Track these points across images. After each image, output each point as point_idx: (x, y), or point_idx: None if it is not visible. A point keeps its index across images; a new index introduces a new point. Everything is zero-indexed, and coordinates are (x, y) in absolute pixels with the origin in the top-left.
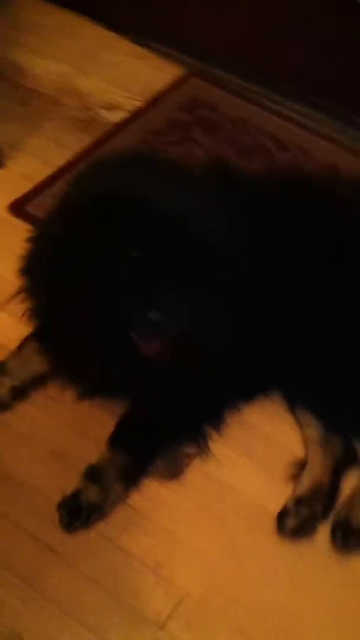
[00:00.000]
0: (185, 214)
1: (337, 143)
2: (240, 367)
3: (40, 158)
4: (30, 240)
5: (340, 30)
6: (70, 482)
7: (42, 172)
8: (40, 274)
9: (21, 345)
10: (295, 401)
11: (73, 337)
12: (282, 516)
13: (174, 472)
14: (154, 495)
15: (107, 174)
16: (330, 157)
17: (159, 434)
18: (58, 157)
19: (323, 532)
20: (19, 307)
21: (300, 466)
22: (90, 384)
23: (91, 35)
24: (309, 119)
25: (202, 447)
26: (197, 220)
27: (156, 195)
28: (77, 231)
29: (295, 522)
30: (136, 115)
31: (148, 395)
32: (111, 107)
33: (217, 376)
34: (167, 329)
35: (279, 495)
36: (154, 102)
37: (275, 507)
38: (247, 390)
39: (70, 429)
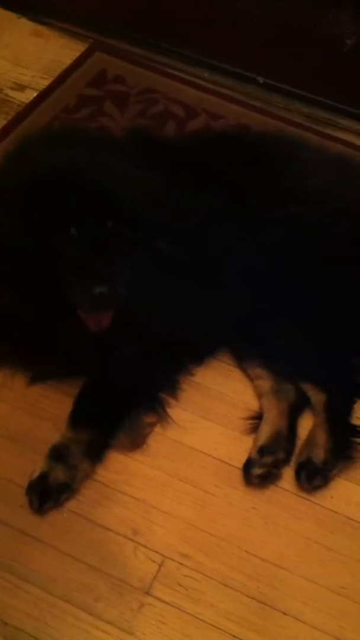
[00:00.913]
0: (117, 184)
1: (246, 105)
2: (187, 328)
3: None
4: None
5: None
6: (34, 465)
7: None
8: None
9: None
10: (244, 356)
11: (20, 321)
12: (247, 467)
13: (137, 443)
14: (121, 468)
15: (36, 152)
16: (240, 119)
17: (117, 406)
18: None
19: (287, 476)
20: None
21: (258, 418)
22: (43, 366)
23: None
24: (215, 85)
25: (161, 414)
26: (128, 189)
27: (87, 170)
28: (13, 212)
29: (260, 471)
30: (46, 94)
31: (101, 369)
32: (20, 87)
33: (161, 340)
34: (111, 301)
35: (241, 449)
36: (62, 79)
37: (239, 460)
38: (198, 352)
39: (25, 413)
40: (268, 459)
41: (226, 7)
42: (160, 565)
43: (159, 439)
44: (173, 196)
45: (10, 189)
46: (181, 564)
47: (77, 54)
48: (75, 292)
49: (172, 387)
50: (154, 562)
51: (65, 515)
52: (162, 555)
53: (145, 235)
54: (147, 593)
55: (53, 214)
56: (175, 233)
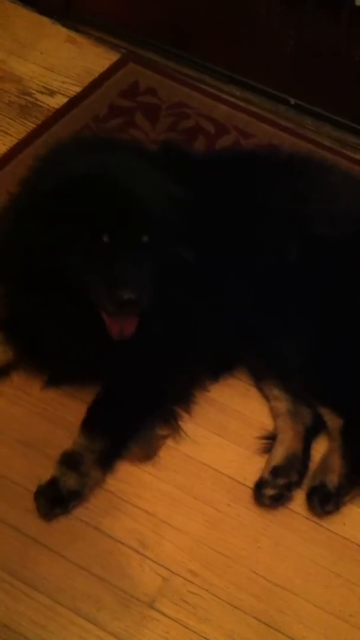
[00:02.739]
0: (149, 193)
1: (275, 125)
2: (207, 343)
3: None
4: None
5: (267, 9)
6: (45, 470)
7: None
8: (8, 262)
9: None
10: (262, 376)
11: (43, 324)
12: (259, 487)
13: (149, 454)
14: (132, 479)
15: (71, 156)
16: (270, 139)
17: (131, 416)
18: (1, 144)
19: (298, 499)
20: None
21: (272, 438)
22: (58, 372)
23: (25, 21)
24: (247, 103)
25: (174, 428)
26: (159, 197)
27: (122, 177)
28: (45, 214)
29: (273, 492)
30: (77, 101)
31: (117, 378)
32: (51, 93)
33: (177, 351)
34: (137, 307)
35: (254, 468)
36: (94, 87)
37: (252, 480)
38: (214, 367)
39: (40, 417)
40: (281, 481)
41: (263, 27)
42: (167, 580)
43: (172, 453)
44: (195, 208)
45: (44, 191)
46: (188, 580)
47: (109, 63)
48: (102, 296)
49: (186, 401)
50: (161, 576)
51: (74, 523)
52: (170, 570)
53: (169, 241)
54: (152, 607)
55: (86, 219)
56: (198, 244)
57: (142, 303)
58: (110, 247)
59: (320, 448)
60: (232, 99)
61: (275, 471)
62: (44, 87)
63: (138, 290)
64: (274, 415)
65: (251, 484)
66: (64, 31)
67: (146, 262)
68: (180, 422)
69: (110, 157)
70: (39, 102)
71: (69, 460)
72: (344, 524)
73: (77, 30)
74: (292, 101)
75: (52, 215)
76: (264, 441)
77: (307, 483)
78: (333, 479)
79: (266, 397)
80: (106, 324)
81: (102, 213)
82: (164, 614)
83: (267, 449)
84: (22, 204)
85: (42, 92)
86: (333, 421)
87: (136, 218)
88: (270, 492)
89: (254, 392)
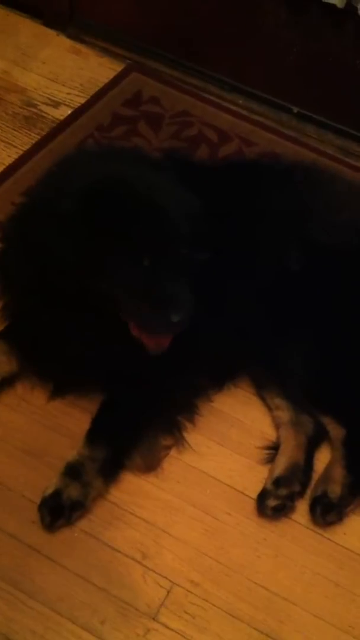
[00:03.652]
0: (175, 207)
1: (278, 133)
2: (209, 353)
3: None
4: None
5: (272, 19)
6: (47, 480)
7: None
8: (16, 274)
9: None
10: (265, 385)
11: (47, 335)
12: (262, 497)
13: (152, 465)
14: (134, 489)
15: (85, 172)
16: (273, 148)
17: (134, 427)
18: (6, 155)
19: (301, 510)
20: None
21: (274, 448)
22: (63, 382)
23: (29, 31)
24: (250, 112)
25: (178, 438)
26: (183, 211)
27: (146, 193)
28: (72, 235)
29: (275, 503)
30: (81, 111)
31: (121, 388)
32: (55, 104)
33: (182, 362)
34: (184, 324)
35: (256, 478)
36: (97, 97)
37: (253, 490)
38: (218, 377)
39: (43, 427)
40: (283, 491)
41: (267, 36)
42: (168, 591)
43: (174, 463)
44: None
45: (69, 209)
46: (189, 591)
47: (113, 73)
48: (145, 317)
49: (190, 411)
50: (162, 587)
51: (76, 534)
52: (171, 581)
53: (197, 252)
54: (154, 619)
55: (121, 238)
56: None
57: (187, 320)
58: (151, 267)
59: (322, 458)
60: (235, 108)
61: (278, 482)
62: (49, 99)
63: (186, 308)
64: (276, 424)
65: (252, 494)
66: (68, 42)
67: (185, 276)
68: (183, 433)
69: (125, 171)
70: (43, 114)
71: (71, 471)
72: (345, 534)
73: (81, 41)
74: (295, 109)
75: (82, 235)
76: (266, 451)
77: (309, 493)
78: (335, 489)
79: (268, 407)
80: (139, 339)
81: (138, 232)
82: (165, 625)
83: (269, 459)
84: (35, 218)
85: (46, 104)
86: (335, 431)
87: (172, 233)
88: (272, 503)
89: (255, 401)
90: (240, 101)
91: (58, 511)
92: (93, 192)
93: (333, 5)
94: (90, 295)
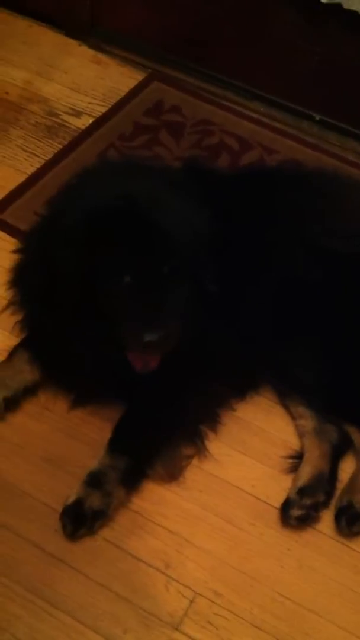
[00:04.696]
0: (175, 226)
1: (300, 140)
2: (227, 362)
3: (10, 166)
4: (19, 251)
5: (292, 27)
6: (69, 488)
7: (13, 179)
8: (33, 285)
9: (11, 356)
10: (288, 394)
11: (68, 345)
12: (286, 507)
13: (174, 474)
14: (156, 498)
15: (96, 187)
16: (295, 155)
17: (156, 436)
18: (28, 165)
19: (325, 520)
20: (9, 320)
21: (298, 457)
22: (83, 391)
23: (50, 42)
24: (271, 119)
25: (200, 447)
26: (184, 230)
27: (146, 212)
28: (72, 248)
29: (299, 512)
30: (102, 121)
31: (142, 398)
32: (77, 113)
33: (203, 372)
34: (162, 347)
35: (279, 487)
36: (119, 107)
37: (276, 499)
38: (240, 386)
39: (65, 436)
40: (308, 501)
41: (288, 44)
42: (191, 602)
43: (196, 472)
44: (218, 233)
45: (71, 224)
46: (213, 601)
47: (135, 82)
48: (125, 334)
49: (212, 420)
50: (186, 597)
51: (98, 542)
52: (194, 591)
53: (196, 275)
54: (177, 629)
55: (109, 257)
56: (219, 270)
57: (168, 343)
58: (132, 287)
59: (347, 467)
60: (256, 116)
61: (302, 491)
62: (71, 108)
63: (163, 330)
64: (300, 433)
65: (275, 503)
66: (89, 52)
67: (172, 297)
68: (205, 442)
69: (136, 187)
70: (65, 123)
71: (93, 480)
72: None
73: (102, 51)
74: (317, 117)
75: (79, 249)
76: (290, 460)
77: (334, 503)
78: None
79: (291, 415)
80: (129, 358)
81: (124, 251)
82: (188, 635)
83: (293, 468)
84: (50, 231)
85: (68, 113)
86: None
87: (156, 251)
88: (296, 513)
89: (278, 409)
90: (262, 109)
91: (80, 520)
92: (90, 211)
93: (354, 12)
94: (95, 309)
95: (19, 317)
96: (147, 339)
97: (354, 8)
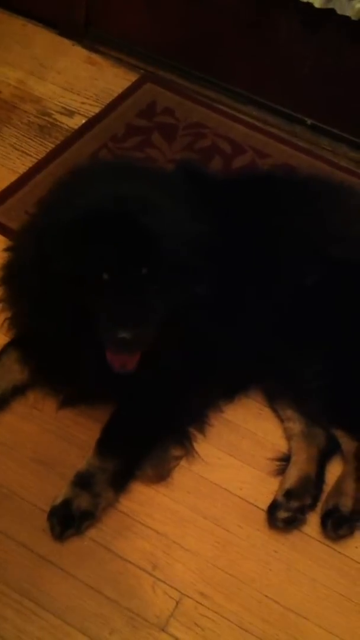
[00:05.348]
0: (162, 229)
1: (293, 146)
2: (225, 366)
3: (2, 165)
4: (9, 249)
5: (287, 32)
6: (57, 489)
7: (5, 178)
8: (23, 283)
9: (0, 354)
10: (276, 397)
11: (58, 345)
12: (273, 509)
13: (163, 476)
14: (145, 500)
15: (87, 187)
16: (287, 159)
17: (144, 437)
18: (20, 164)
19: (312, 522)
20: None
21: (286, 460)
22: (72, 392)
23: (45, 42)
24: (264, 123)
25: (188, 449)
26: (172, 233)
27: (134, 213)
28: (59, 246)
29: (286, 515)
30: (95, 121)
31: (130, 399)
32: (70, 113)
33: (192, 375)
34: (135, 346)
35: (267, 490)
36: (112, 108)
37: (264, 502)
38: (229, 388)
39: (54, 437)
40: (294, 504)
41: (282, 49)
42: (177, 603)
43: (184, 473)
44: (213, 238)
45: (61, 223)
46: (199, 603)
47: (128, 83)
48: (101, 331)
49: (200, 422)
50: (172, 598)
51: (86, 543)
52: (181, 592)
53: (180, 278)
54: (163, 630)
55: (89, 255)
56: (209, 274)
57: (141, 342)
58: (110, 285)
59: (334, 471)
60: (249, 120)
61: (289, 494)
62: (63, 108)
63: (136, 329)
64: (288, 436)
65: (263, 506)
66: (83, 52)
67: (151, 298)
68: (194, 444)
69: (127, 189)
70: (58, 123)
71: (81, 481)
72: (357, 548)
73: (96, 51)
74: (309, 121)
75: (66, 247)
76: (278, 463)
77: (320, 506)
78: (347, 503)
79: (280, 418)
80: (107, 357)
81: (104, 251)
82: (175, 637)
83: (280, 471)
84: (39, 230)
85: (61, 113)
86: (348, 444)
87: (137, 252)
88: (283, 515)
89: (267, 412)
90: (254, 113)
91: (68, 521)
92: (80, 211)
93: (347, 18)
94: (72, 304)
95: (8, 315)
96: (121, 336)
97: (347, 13)
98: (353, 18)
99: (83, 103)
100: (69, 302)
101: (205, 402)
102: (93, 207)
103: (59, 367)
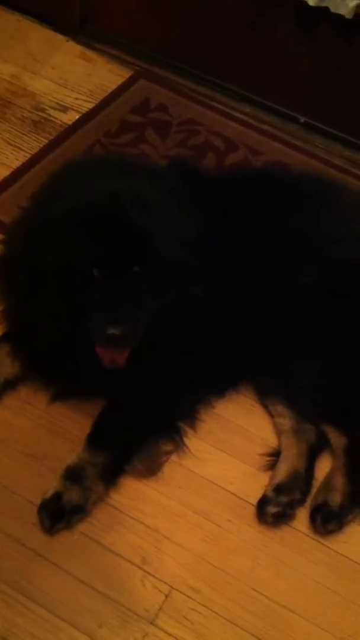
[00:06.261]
0: (154, 226)
1: (286, 143)
2: (219, 365)
3: None
4: (1, 243)
5: (282, 30)
6: (49, 483)
7: None
8: (15, 277)
9: None
10: (267, 393)
11: (49, 339)
12: (262, 504)
13: (153, 470)
14: (135, 494)
15: (79, 181)
16: (280, 157)
17: (135, 432)
18: (14, 159)
19: (301, 517)
20: None
21: (276, 455)
22: (63, 386)
23: (39, 37)
24: (257, 121)
25: (179, 443)
26: (165, 231)
27: (125, 209)
28: (48, 242)
29: (275, 510)
30: (89, 117)
31: (121, 394)
32: (63, 109)
33: (183, 371)
34: (125, 342)
35: (257, 485)
36: (106, 103)
37: (254, 497)
38: (219, 384)
39: (45, 430)
40: (284, 498)
41: (277, 47)
42: (167, 596)
43: (175, 468)
44: (208, 237)
45: (52, 217)
46: (189, 597)
47: (122, 80)
48: (91, 327)
49: (191, 417)
50: (161, 592)
51: (76, 537)
52: (170, 586)
53: (174, 277)
54: (152, 623)
55: (80, 251)
56: (205, 274)
57: (131, 338)
58: (100, 281)
59: (323, 466)
60: (243, 117)
61: (279, 489)
62: (57, 103)
63: (126, 325)
64: (278, 432)
65: (253, 501)
66: (78, 48)
67: (142, 295)
68: (184, 439)
69: (121, 185)
70: (51, 118)
71: (72, 475)
72: (345, 543)
73: (91, 48)
74: (302, 119)
75: (57, 242)
76: (268, 458)
77: (310, 501)
78: (336, 498)
79: (270, 414)
80: (98, 353)
81: (95, 246)
82: (164, 630)
83: (270, 466)
84: (31, 224)
85: (55, 108)
86: (337, 440)
87: (129, 249)
88: (273, 510)
89: (258, 408)
90: (248, 110)
91: (58, 514)
92: (72, 205)
93: (341, 17)
94: (63, 300)
95: (0, 308)
96: (110, 332)
97: (341, 12)
98: (347, 17)
99: (77, 99)
100: (59, 297)
101: (196, 396)
102: (85, 201)
103: (50, 361)
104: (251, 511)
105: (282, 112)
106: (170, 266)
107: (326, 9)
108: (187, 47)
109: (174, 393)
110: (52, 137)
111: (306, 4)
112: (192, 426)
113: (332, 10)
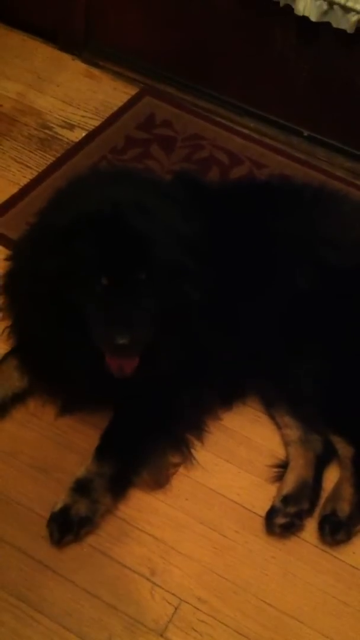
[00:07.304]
0: (157, 234)
1: (289, 155)
2: (221, 372)
3: (3, 177)
4: (9, 259)
5: (283, 44)
6: (56, 495)
7: (6, 191)
8: (20, 291)
9: (0, 362)
10: (273, 404)
11: (56, 352)
12: (270, 515)
13: (161, 482)
14: (143, 506)
15: (84, 192)
16: (283, 170)
17: (143, 444)
18: (21, 176)
19: (309, 528)
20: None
21: (283, 466)
22: (71, 398)
23: (44, 55)
24: (260, 134)
25: (186, 455)
26: (167, 238)
27: (130, 218)
28: (54, 251)
29: (283, 520)
30: (95, 134)
31: (128, 405)
32: (70, 126)
33: (188, 381)
34: (133, 350)
35: (264, 496)
36: (111, 120)
37: (262, 508)
38: (227, 395)
39: (53, 443)
40: (292, 509)
41: (278, 61)
42: (176, 608)
43: (183, 480)
44: (209, 243)
45: (56, 228)
46: (197, 608)
47: (127, 97)
48: (99, 336)
49: (198, 429)
50: (170, 604)
51: (84, 549)
52: (179, 598)
53: (175, 281)
54: (161, 635)
55: (88, 260)
56: (205, 278)
57: (138, 346)
58: (108, 288)
59: (331, 477)
60: (246, 131)
61: (286, 499)
62: (64, 121)
63: (134, 333)
64: (285, 442)
65: (260, 512)
66: (82, 66)
67: (147, 302)
68: (192, 450)
69: (122, 194)
70: (58, 136)
71: (80, 487)
72: (354, 553)
73: (95, 65)
74: (305, 133)
75: (61, 252)
76: (275, 469)
77: (318, 512)
78: (344, 508)
79: (277, 425)
80: (106, 362)
81: (103, 254)
82: None
83: (278, 477)
84: (37, 237)
85: (61, 126)
86: (345, 449)
87: (135, 257)
88: (281, 521)
89: (264, 419)
90: (251, 124)
91: (67, 527)
92: (75, 216)
93: (343, 31)
94: (71, 311)
95: (8, 323)
96: (119, 342)
97: (342, 27)
98: (349, 31)
99: (83, 116)
100: (64, 307)
101: (202, 408)
102: (87, 210)
103: (57, 373)
104: (258, 522)
105: (284, 126)
106: (170, 271)
107: (328, 23)
108: (190, 61)
109: (180, 403)
110: (59, 155)
111: (307, 18)
112: (199, 437)
113: (334, 25)
